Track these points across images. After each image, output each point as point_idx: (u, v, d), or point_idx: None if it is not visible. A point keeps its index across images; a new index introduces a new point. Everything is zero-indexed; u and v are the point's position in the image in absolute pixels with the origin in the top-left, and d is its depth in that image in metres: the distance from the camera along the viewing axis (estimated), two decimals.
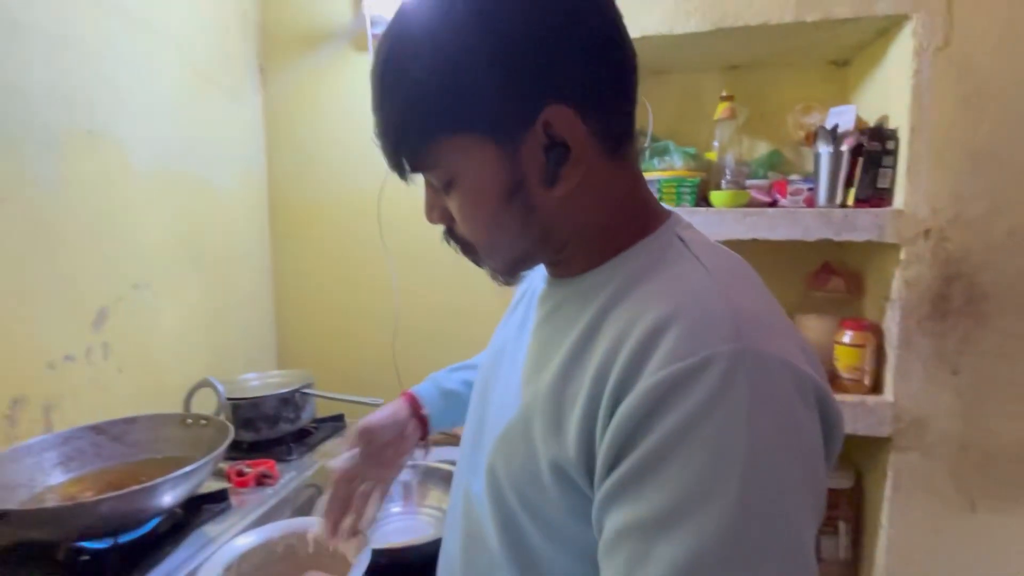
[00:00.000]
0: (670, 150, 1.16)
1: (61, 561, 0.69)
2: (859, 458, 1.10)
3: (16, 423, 0.78)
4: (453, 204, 0.44)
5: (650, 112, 1.16)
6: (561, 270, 0.49)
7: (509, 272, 0.49)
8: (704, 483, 0.32)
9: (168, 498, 0.70)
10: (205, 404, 0.94)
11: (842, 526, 1.08)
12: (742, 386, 0.33)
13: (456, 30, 0.39)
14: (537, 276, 0.56)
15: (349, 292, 1.35)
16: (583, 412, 0.38)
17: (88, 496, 0.73)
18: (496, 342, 0.59)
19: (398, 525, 0.91)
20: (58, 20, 0.83)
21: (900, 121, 0.95)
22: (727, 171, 1.10)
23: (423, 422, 0.71)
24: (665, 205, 0.49)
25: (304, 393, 1.07)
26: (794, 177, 1.12)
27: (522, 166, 0.41)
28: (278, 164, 1.34)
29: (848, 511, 1.08)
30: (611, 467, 0.35)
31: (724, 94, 1.14)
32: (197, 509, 0.79)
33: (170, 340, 1.06)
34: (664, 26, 1.01)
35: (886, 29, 0.98)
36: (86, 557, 0.70)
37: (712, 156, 1.18)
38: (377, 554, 0.67)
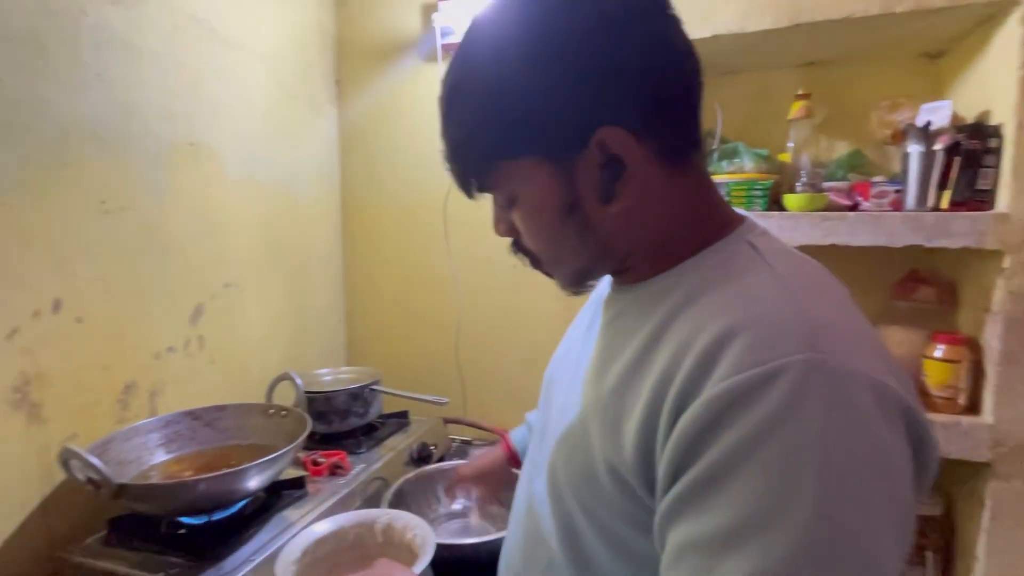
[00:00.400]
0: (740, 152, 1.12)
1: (163, 533, 0.76)
2: (950, 484, 1.01)
3: (127, 407, 0.88)
4: (517, 220, 0.47)
5: (719, 113, 1.13)
6: (625, 277, 0.49)
7: (575, 283, 0.50)
8: (772, 501, 0.31)
9: (255, 482, 0.76)
10: (283, 395, 1.01)
11: (930, 557, 1.00)
12: (815, 399, 0.32)
13: (516, 58, 0.40)
14: (605, 280, 0.57)
15: (415, 294, 1.40)
16: (642, 420, 0.38)
17: (188, 475, 0.80)
18: (564, 343, 0.60)
19: (462, 522, 0.94)
20: (166, 43, 0.92)
21: (1004, 117, 0.86)
22: (802, 173, 1.05)
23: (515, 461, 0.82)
24: (739, 211, 0.48)
25: (373, 389, 1.12)
26: (878, 179, 1.05)
27: (577, 185, 0.42)
28: (351, 172, 1.42)
29: (937, 541, 1.00)
30: (673, 478, 0.35)
31: (800, 92, 1.09)
32: (278, 494, 0.85)
33: (253, 335, 1.14)
34: (736, 25, 0.97)
35: (990, 17, 0.90)
36: (183, 531, 0.77)
37: (785, 158, 1.13)
38: (440, 548, 0.70)
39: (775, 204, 1.09)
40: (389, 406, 1.20)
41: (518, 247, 0.50)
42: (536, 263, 0.50)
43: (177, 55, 0.94)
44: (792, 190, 1.04)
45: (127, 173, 0.86)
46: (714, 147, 1.16)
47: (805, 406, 0.31)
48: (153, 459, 0.85)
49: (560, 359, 0.58)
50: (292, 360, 1.23)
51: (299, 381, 0.97)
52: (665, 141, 0.42)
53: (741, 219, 0.46)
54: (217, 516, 0.77)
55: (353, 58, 1.39)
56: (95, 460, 0.66)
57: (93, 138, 0.81)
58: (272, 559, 0.71)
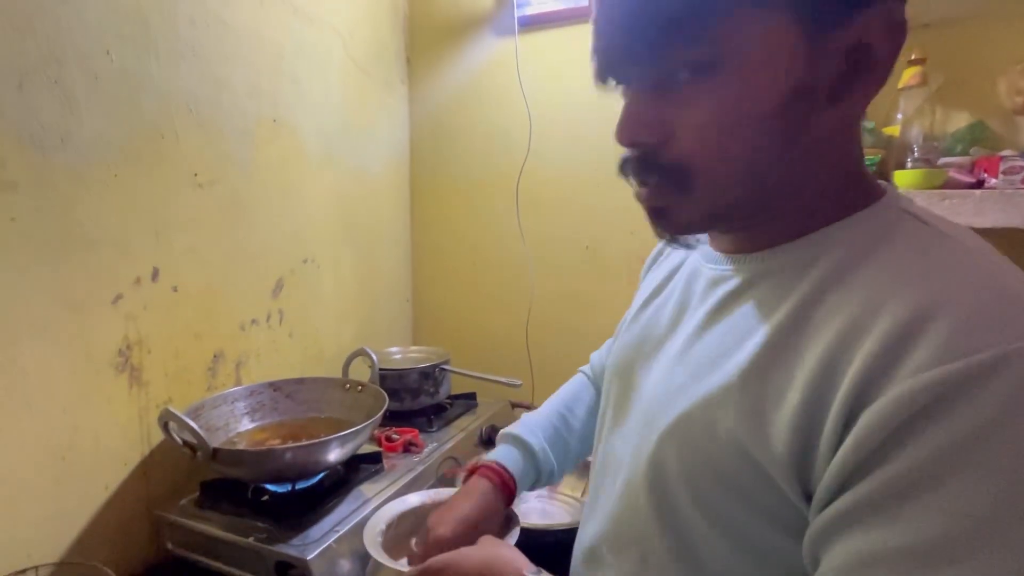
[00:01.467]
0: None
1: (249, 499, 0.78)
2: None
3: (216, 375, 0.91)
4: (692, 107, 0.35)
5: None
6: (742, 242, 0.42)
7: (703, 224, 0.41)
8: (998, 511, 0.26)
9: (337, 454, 0.76)
10: (357, 372, 1.02)
11: None
12: None
13: None
14: (690, 256, 0.51)
15: (484, 274, 1.38)
16: (799, 413, 0.33)
17: (275, 444, 0.82)
18: (639, 326, 0.53)
19: (535, 506, 0.92)
20: (253, 19, 0.93)
21: None
22: (914, 147, 0.95)
23: (509, 494, 0.63)
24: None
25: (443, 369, 1.11)
26: (1007, 152, 0.93)
27: (819, 68, 0.33)
28: (420, 152, 1.41)
29: None
30: (848, 479, 0.31)
31: (913, 57, 0.98)
32: (356, 468, 0.86)
33: (329, 311, 1.16)
34: None
35: None
36: (267, 498, 0.78)
37: (894, 131, 1.03)
38: (523, 532, 0.67)
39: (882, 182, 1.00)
40: (457, 387, 1.20)
41: (648, 162, 0.38)
42: (672, 185, 0.38)
43: (263, 31, 0.95)
44: (902, 167, 0.95)
45: (218, 147, 0.88)
46: None
47: None
48: (239, 427, 0.88)
49: (638, 343, 0.52)
50: (363, 338, 1.24)
51: (374, 357, 0.97)
52: (885, 65, 0.34)
53: (882, 186, 0.40)
54: (300, 486, 0.78)
55: (424, 35, 1.38)
56: (192, 423, 0.68)
57: (188, 113, 0.83)
58: (354, 531, 0.71)
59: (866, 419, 0.30)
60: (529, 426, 0.68)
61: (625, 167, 0.40)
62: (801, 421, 0.33)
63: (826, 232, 0.38)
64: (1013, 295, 0.30)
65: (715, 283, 0.44)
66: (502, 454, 0.65)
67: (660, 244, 0.60)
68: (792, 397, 0.34)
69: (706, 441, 0.39)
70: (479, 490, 0.61)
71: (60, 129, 0.67)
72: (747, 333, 0.39)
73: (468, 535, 0.56)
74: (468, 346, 1.39)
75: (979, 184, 0.91)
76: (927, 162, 0.92)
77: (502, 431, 0.70)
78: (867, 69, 0.33)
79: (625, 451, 0.48)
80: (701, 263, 0.47)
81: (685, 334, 0.45)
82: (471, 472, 0.65)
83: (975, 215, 0.84)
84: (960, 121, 1.03)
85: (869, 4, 0.32)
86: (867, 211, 0.37)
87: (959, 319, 0.29)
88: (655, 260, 0.61)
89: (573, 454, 0.70)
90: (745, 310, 0.40)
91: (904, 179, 0.92)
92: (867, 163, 0.97)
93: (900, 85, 1.00)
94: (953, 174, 0.93)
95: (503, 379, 1.04)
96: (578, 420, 0.71)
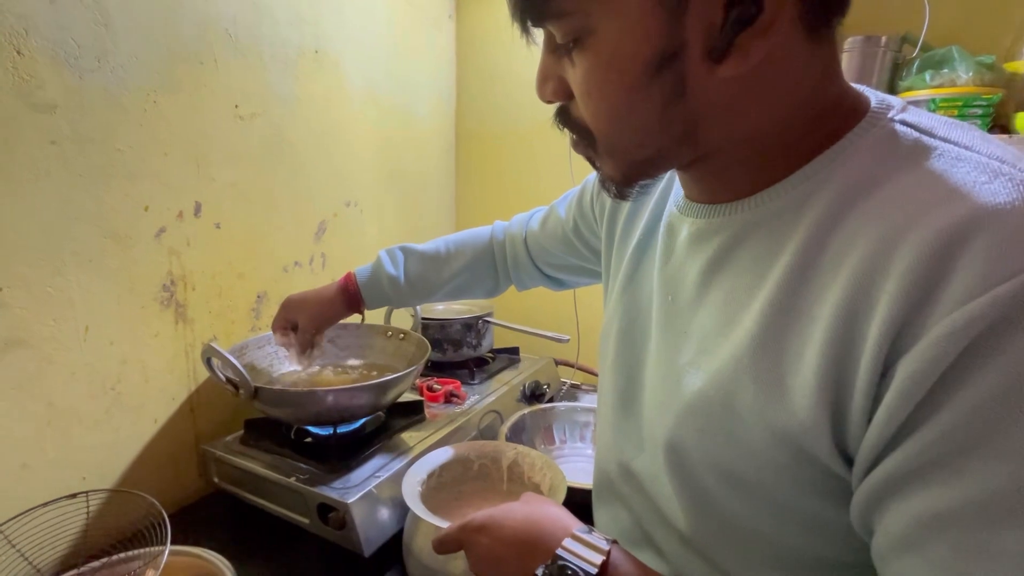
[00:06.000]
0: (954, 59, 0.88)
1: (292, 440, 0.77)
2: None
3: (260, 316, 0.90)
4: (577, 72, 0.34)
5: (926, 7, 0.89)
6: (719, 188, 0.37)
7: (627, 179, 0.38)
8: None
9: (379, 399, 0.74)
10: (397, 320, 0.99)
11: None
12: None
13: None
14: (667, 206, 0.45)
15: None
16: (822, 369, 0.29)
17: (316, 386, 0.80)
18: (627, 295, 0.49)
19: (580, 466, 0.88)
20: None
21: None
22: None
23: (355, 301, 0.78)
24: (860, 87, 0.35)
25: (487, 321, 1.07)
26: None
27: (685, 28, 0.30)
28: (466, 92, 1.33)
29: None
30: (896, 438, 0.27)
31: None
32: (397, 415, 0.84)
33: (371, 256, 1.12)
34: None
35: None
36: (309, 440, 0.78)
37: (1017, 67, 0.88)
38: (570, 491, 0.64)
39: (998, 127, 0.86)
40: (500, 341, 1.16)
41: (565, 117, 0.38)
42: (584, 142, 0.37)
43: None
44: None
45: (258, 78, 0.84)
46: (914, 55, 0.93)
47: None
48: (282, 368, 0.87)
49: (629, 319, 0.48)
50: None
51: (418, 306, 0.94)
52: None
53: (868, 97, 0.33)
54: (341, 430, 0.77)
55: None
56: (234, 360, 0.66)
57: (227, 38, 0.78)
58: (395, 477, 0.69)
59: (906, 368, 0.26)
60: (399, 252, 0.79)
61: (555, 119, 0.39)
62: (825, 382, 0.30)
63: (811, 168, 0.33)
64: None
65: (699, 238, 0.39)
66: (361, 270, 0.79)
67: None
68: (810, 357, 0.30)
69: (726, 420, 0.35)
70: (328, 288, 0.79)
71: (96, 48, 0.63)
72: (748, 295, 0.34)
73: (298, 307, 0.78)
74: (512, 300, 1.34)
75: None
76: None
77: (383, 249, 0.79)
78: (757, 18, 0.29)
79: (636, 437, 0.45)
80: (678, 215, 0.42)
81: (682, 300, 0.41)
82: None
83: None
84: None
85: None
86: (859, 129, 0.32)
87: (997, 238, 0.25)
88: (617, 207, 0.55)
89: (434, 279, 0.78)
90: (740, 269, 0.36)
91: None
92: (975, 102, 0.84)
93: None
94: None
95: (550, 334, 0.99)
96: (450, 254, 0.78)
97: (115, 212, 0.68)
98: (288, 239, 0.93)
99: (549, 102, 0.38)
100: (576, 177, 1.21)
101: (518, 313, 1.24)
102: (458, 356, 1.06)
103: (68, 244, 0.64)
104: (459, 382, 0.96)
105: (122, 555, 0.58)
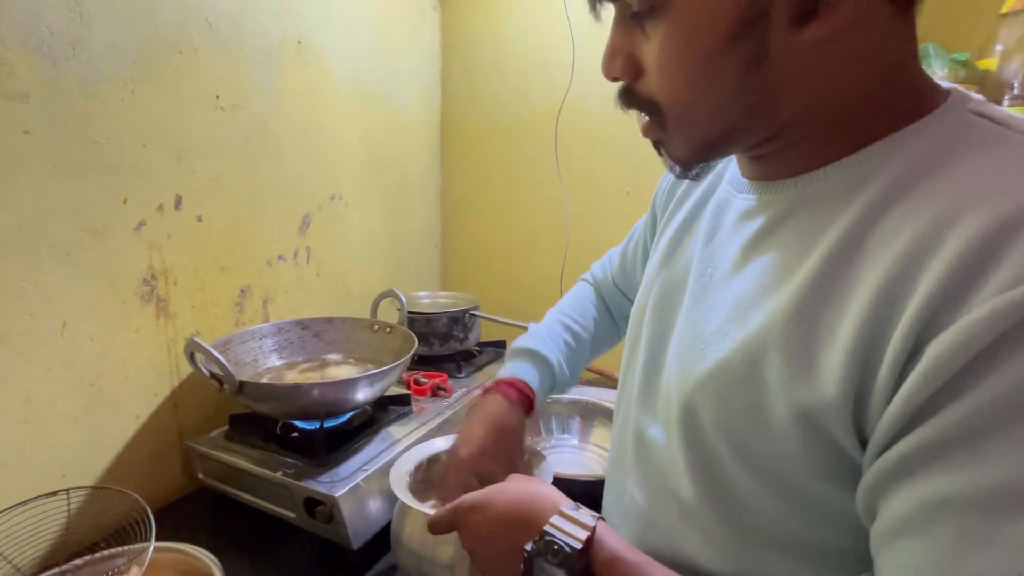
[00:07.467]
0: (930, 56, 0.91)
1: (277, 435, 0.77)
2: None
3: (244, 310, 0.89)
4: (652, 43, 0.34)
5: None
6: (776, 166, 0.38)
7: (698, 157, 0.38)
8: None
9: (365, 393, 0.74)
10: (384, 314, 0.99)
11: None
12: None
13: None
14: (720, 185, 0.46)
15: (516, 219, 1.32)
16: (853, 350, 0.29)
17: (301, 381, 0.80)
18: (664, 264, 0.49)
19: (567, 456, 0.89)
20: None
21: None
22: (1013, 83, 0.83)
23: (529, 405, 0.61)
24: (943, 82, 0.35)
25: (473, 315, 1.08)
26: None
27: None
28: (451, 85, 1.33)
29: None
30: (912, 421, 0.27)
31: None
32: (384, 409, 0.84)
33: (356, 250, 1.12)
34: None
35: None
36: (296, 434, 0.77)
37: (989, 64, 0.90)
38: (555, 481, 0.65)
39: None
40: (486, 335, 1.16)
41: (631, 97, 0.37)
42: (655, 119, 0.37)
43: None
44: (1000, 104, 0.83)
45: (239, 68, 0.82)
46: None
47: None
48: (267, 363, 0.86)
49: (665, 287, 0.48)
50: (390, 280, 1.21)
51: (403, 299, 0.94)
52: None
53: (948, 89, 0.34)
54: (328, 424, 0.76)
55: None
56: (218, 354, 0.65)
57: (207, 28, 0.77)
58: (382, 471, 0.70)
59: (936, 349, 0.26)
60: (541, 338, 0.67)
61: (618, 99, 0.39)
62: (854, 358, 0.29)
63: (874, 149, 0.33)
64: None
65: (748, 215, 0.40)
66: (518, 369, 0.63)
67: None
68: (844, 334, 0.30)
69: (748, 390, 0.35)
70: (496, 406, 0.59)
71: (70, 36, 0.62)
72: (789, 268, 0.35)
73: (488, 454, 0.55)
74: (498, 293, 1.35)
75: None
76: None
77: (513, 345, 0.68)
78: None
79: (656, 404, 0.45)
80: (731, 192, 0.43)
81: (720, 273, 0.41)
82: (488, 391, 0.62)
83: None
84: None
85: None
86: (926, 119, 0.32)
87: None
88: (673, 189, 0.55)
89: (583, 362, 0.71)
90: (785, 242, 0.36)
91: None
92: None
93: (1003, 11, 0.87)
94: None
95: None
96: (585, 329, 0.71)
97: (93, 204, 0.66)
98: (272, 233, 0.92)
99: (615, 79, 0.38)
100: (563, 173, 1.22)
101: (504, 307, 1.24)
102: (445, 350, 1.06)
103: (44, 237, 0.62)
104: (446, 375, 0.97)
105: (105, 552, 0.57)
